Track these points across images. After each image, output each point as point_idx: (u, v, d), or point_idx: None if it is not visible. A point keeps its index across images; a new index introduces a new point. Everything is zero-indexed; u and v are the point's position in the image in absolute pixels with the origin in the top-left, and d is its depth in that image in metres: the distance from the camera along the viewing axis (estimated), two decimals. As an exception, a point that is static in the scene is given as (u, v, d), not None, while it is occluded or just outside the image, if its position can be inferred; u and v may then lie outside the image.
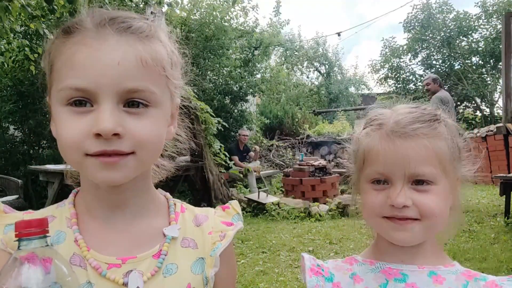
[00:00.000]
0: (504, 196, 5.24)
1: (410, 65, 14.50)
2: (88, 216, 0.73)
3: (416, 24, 13.74)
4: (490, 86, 12.57)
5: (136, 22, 0.67)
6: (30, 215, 0.73)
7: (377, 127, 0.80)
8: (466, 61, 13.12)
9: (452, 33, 13.06)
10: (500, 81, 11.31)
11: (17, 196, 5.86)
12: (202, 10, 10.13)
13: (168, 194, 0.83)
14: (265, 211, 6.53)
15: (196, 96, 7.00)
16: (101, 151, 0.62)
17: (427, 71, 14.07)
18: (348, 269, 0.87)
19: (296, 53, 21.49)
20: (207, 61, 9.92)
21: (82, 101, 0.63)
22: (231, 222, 0.83)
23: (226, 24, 10.20)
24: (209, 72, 10.34)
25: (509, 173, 7.82)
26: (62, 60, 0.65)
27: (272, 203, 6.63)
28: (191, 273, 0.73)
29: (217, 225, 0.81)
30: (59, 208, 0.75)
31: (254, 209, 6.74)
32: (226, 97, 10.91)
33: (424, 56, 14.00)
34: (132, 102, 0.65)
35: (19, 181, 6.08)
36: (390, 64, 14.70)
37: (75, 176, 0.79)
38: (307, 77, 24.95)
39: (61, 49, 0.66)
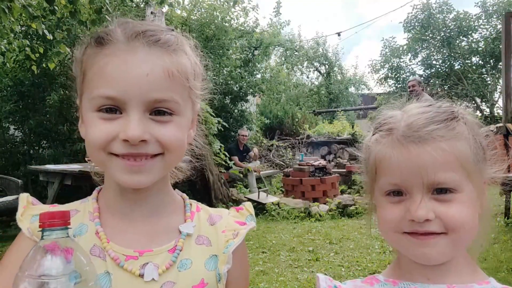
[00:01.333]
0: (504, 196, 5.24)
1: (410, 65, 14.51)
2: (109, 211, 0.78)
3: (416, 24, 13.74)
4: (490, 86, 12.58)
5: (164, 35, 0.71)
6: (55, 208, 0.79)
7: (387, 133, 0.71)
8: (466, 61, 13.13)
9: (452, 33, 13.06)
10: (500, 81, 11.31)
11: (17, 196, 5.86)
12: (203, 10, 10.14)
13: (184, 195, 0.88)
14: (265, 211, 6.54)
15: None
16: (127, 153, 0.67)
17: (427, 71, 14.08)
18: None
19: (296, 53, 21.48)
20: (207, 61, 9.93)
21: (112, 108, 0.68)
22: (244, 222, 0.86)
23: (226, 24, 10.21)
24: (209, 72, 10.32)
25: (509, 173, 7.82)
26: (94, 70, 0.70)
27: (272, 203, 6.64)
28: (205, 269, 0.76)
29: (231, 224, 0.84)
30: (83, 203, 0.81)
31: (254, 209, 6.73)
32: (226, 97, 10.92)
33: (424, 56, 14.00)
34: (158, 110, 0.69)
35: (19, 181, 6.08)
36: (390, 64, 14.71)
37: (101, 174, 0.83)
38: (307, 77, 24.96)
39: (94, 59, 0.70)
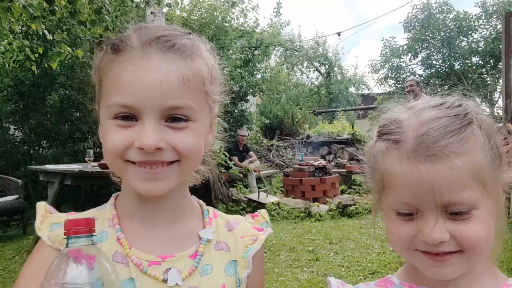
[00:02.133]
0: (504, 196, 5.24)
1: (410, 65, 14.50)
2: (128, 218, 0.77)
3: (416, 24, 13.74)
4: (490, 86, 12.58)
5: (179, 40, 0.71)
6: (73, 216, 0.77)
7: (395, 146, 0.64)
8: (466, 61, 13.13)
9: (452, 33, 13.06)
10: (500, 81, 11.31)
11: (17, 196, 5.87)
12: (203, 10, 10.15)
13: (201, 201, 0.88)
14: (265, 211, 6.53)
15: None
16: (143, 160, 0.67)
17: (427, 71, 14.08)
18: None
19: (296, 53, 21.50)
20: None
21: (128, 116, 0.68)
22: (261, 228, 0.86)
23: (226, 24, 10.21)
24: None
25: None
26: (109, 78, 0.70)
27: (272, 203, 6.64)
28: (225, 275, 0.77)
29: (248, 230, 0.85)
30: (100, 210, 0.81)
31: (254, 209, 6.73)
32: (226, 97, 10.91)
33: (424, 56, 14.00)
34: (173, 117, 0.69)
35: (19, 181, 6.09)
36: (390, 64, 14.70)
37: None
38: (307, 77, 25.00)
39: (109, 67, 0.70)
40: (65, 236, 0.57)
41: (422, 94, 7.36)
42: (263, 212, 0.90)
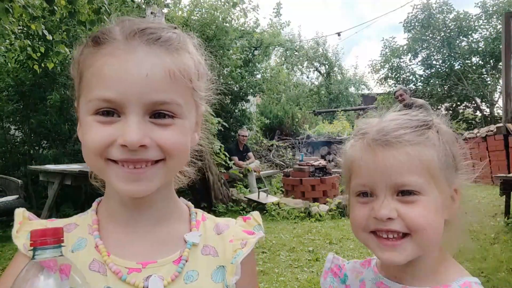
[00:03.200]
0: (504, 196, 5.24)
1: (410, 65, 14.50)
2: (111, 222, 0.74)
3: (416, 24, 13.74)
4: (490, 86, 12.58)
5: (165, 33, 0.67)
6: (53, 222, 0.74)
7: (360, 137, 0.76)
8: (466, 61, 13.12)
9: (452, 33, 13.06)
10: (500, 81, 11.31)
11: (17, 196, 5.87)
12: (204, 10, 10.15)
13: (190, 203, 0.83)
14: (265, 211, 6.53)
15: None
16: (126, 158, 0.63)
17: (427, 71, 14.08)
18: (360, 272, 0.85)
19: (296, 53, 21.49)
20: (207, 61, 9.95)
21: (110, 111, 0.64)
22: (252, 231, 0.82)
23: (227, 24, 10.21)
24: (209, 72, 10.36)
25: (509, 173, 7.82)
26: (91, 71, 0.66)
27: (272, 203, 6.63)
28: (212, 282, 0.72)
29: (238, 233, 0.80)
30: (82, 216, 0.77)
31: (254, 209, 6.73)
32: (227, 97, 10.92)
33: (424, 56, 13.99)
34: (158, 113, 0.65)
35: (19, 181, 6.08)
36: (390, 64, 14.70)
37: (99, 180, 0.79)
38: (307, 77, 25.01)
39: (91, 60, 0.66)
40: (31, 248, 0.54)
41: (416, 100, 7.53)
42: (255, 214, 0.86)
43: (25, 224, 0.73)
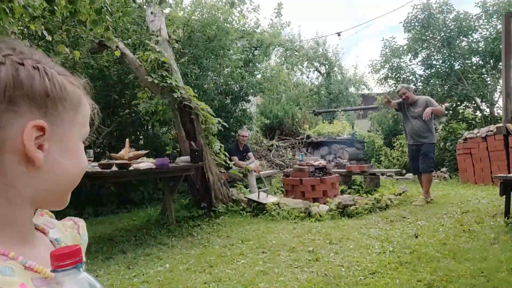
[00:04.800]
0: (504, 196, 5.24)
1: (410, 65, 14.46)
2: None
3: (416, 24, 13.72)
4: (490, 86, 12.56)
5: None
6: None
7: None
8: (466, 61, 13.10)
9: (452, 33, 13.04)
10: (500, 81, 11.30)
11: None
12: (205, 10, 10.16)
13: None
14: (265, 211, 6.54)
15: (196, 96, 7.01)
16: None
17: (427, 71, 14.07)
18: None
19: (296, 53, 21.50)
20: (208, 61, 9.95)
21: None
22: None
23: (228, 25, 10.22)
24: (210, 73, 10.36)
25: (509, 173, 7.83)
26: None
27: (272, 203, 6.63)
28: None
29: None
30: None
31: (254, 209, 6.74)
32: (227, 97, 10.93)
33: (424, 56, 13.97)
34: None
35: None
36: (390, 64, 14.66)
37: None
38: (307, 77, 25.02)
39: None
40: (53, 270, 0.53)
41: (420, 96, 7.51)
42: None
43: None
